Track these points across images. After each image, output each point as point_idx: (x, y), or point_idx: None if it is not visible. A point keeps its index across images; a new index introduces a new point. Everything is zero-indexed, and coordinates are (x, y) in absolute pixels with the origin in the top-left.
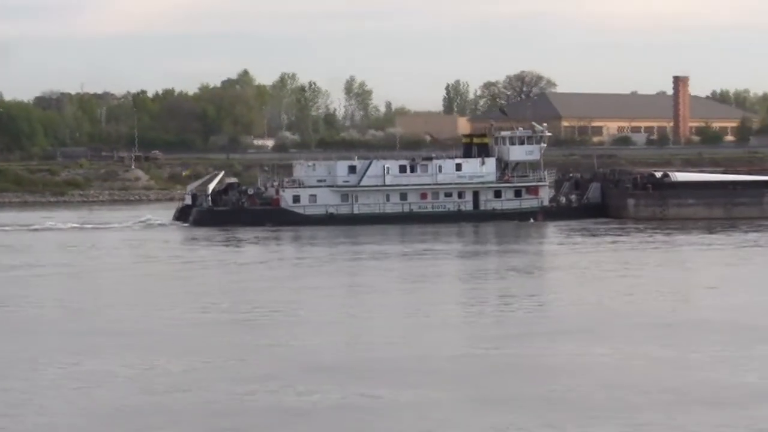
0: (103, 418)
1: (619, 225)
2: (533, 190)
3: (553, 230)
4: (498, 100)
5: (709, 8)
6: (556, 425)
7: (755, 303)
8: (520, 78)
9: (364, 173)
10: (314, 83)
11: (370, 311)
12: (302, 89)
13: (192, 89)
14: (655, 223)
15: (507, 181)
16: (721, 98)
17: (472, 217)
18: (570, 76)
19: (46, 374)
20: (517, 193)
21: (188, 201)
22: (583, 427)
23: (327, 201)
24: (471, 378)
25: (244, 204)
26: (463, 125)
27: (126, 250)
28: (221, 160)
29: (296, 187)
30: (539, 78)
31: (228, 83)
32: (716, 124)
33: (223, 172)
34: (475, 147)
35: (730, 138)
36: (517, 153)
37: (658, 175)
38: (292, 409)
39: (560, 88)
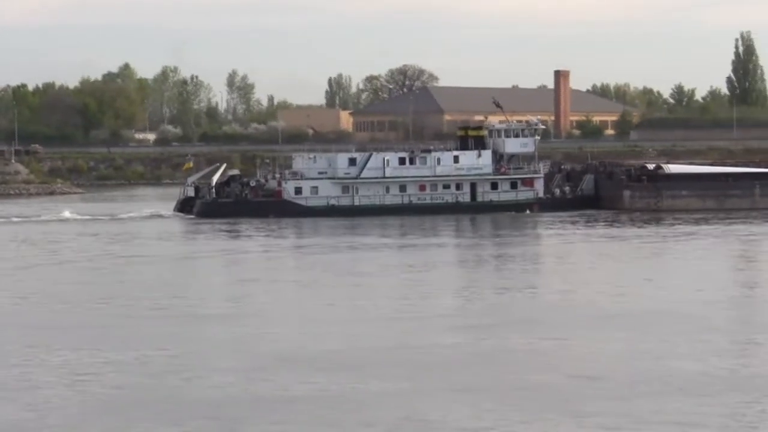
0: (81, 411)
1: (616, 216)
2: (528, 182)
3: (550, 221)
4: (380, 93)
5: (589, 3)
6: (526, 415)
7: (716, 294)
8: (402, 72)
9: (364, 165)
10: (196, 77)
11: (353, 302)
12: (184, 83)
13: (73, 83)
14: (650, 215)
15: (503, 173)
16: (601, 92)
17: (469, 208)
18: (452, 70)
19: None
20: (513, 185)
21: (190, 193)
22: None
23: (328, 193)
24: (443, 368)
25: (247, 196)
26: (346, 119)
27: (166, 243)
28: (102, 154)
29: (298, 179)
30: (421, 72)
31: (109, 77)
32: (597, 118)
33: (225, 165)
34: (471, 139)
35: (610, 132)
36: (513, 145)
37: (651, 167)
38: (270, 400)
39: (442, 82)
